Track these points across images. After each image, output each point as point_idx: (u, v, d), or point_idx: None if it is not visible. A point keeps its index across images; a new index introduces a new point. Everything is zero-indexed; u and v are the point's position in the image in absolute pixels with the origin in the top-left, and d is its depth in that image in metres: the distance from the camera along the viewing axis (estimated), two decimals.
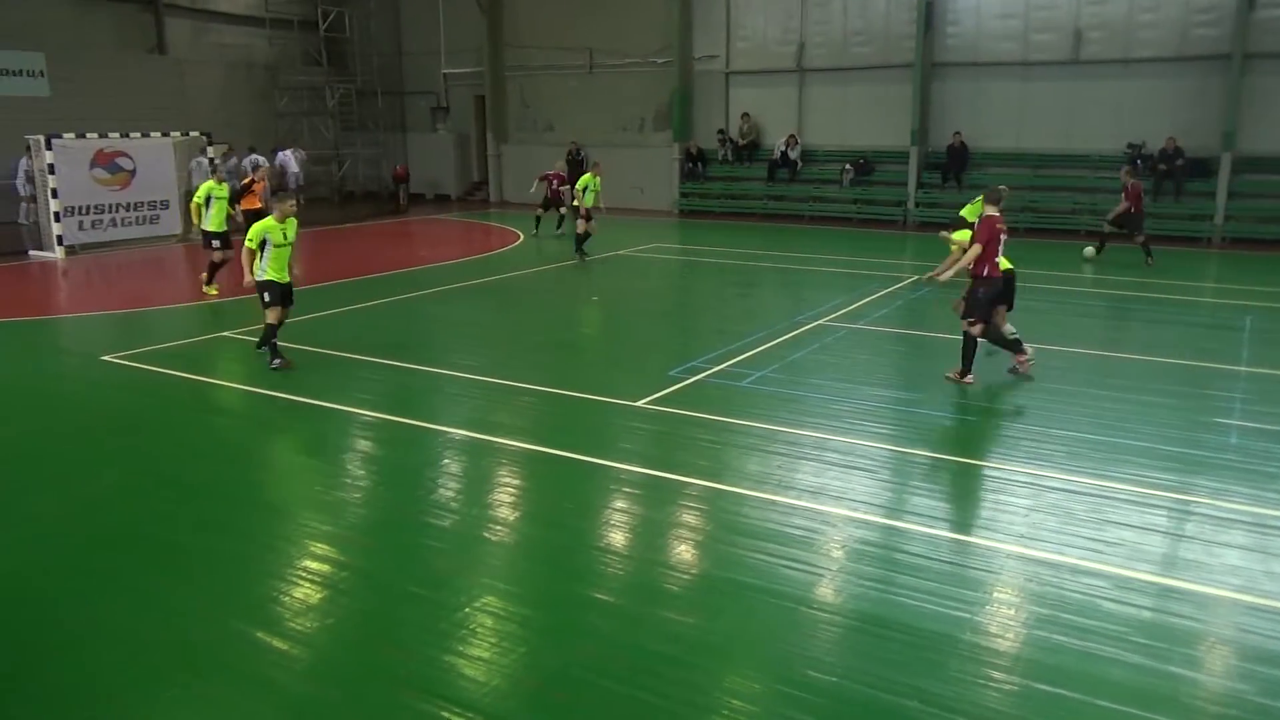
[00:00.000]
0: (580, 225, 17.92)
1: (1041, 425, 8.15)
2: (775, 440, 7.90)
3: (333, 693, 4.49)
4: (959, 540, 6.00)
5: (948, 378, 9.53)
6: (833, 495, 6.71)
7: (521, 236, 21.42)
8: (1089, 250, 17.77)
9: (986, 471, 7.16)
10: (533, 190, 22.51)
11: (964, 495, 6.73)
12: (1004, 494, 6.74)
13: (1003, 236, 9.37)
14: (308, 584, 5.51)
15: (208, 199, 14.35)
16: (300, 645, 4.87)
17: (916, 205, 23.08)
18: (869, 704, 4.36)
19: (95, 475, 7.29)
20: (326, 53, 29.66)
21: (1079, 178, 21.62)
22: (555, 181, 22.32)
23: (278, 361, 10.03)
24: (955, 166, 22.57)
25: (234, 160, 23.57)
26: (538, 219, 22.01)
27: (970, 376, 9.43)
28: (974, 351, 9.44)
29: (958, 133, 22.40)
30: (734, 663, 4.75)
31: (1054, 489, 6.80)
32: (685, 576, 5.63)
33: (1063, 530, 6.13)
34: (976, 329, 9.42)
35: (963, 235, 10.29)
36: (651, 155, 26.73)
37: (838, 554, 5.86)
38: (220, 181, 14.71)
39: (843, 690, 4.46)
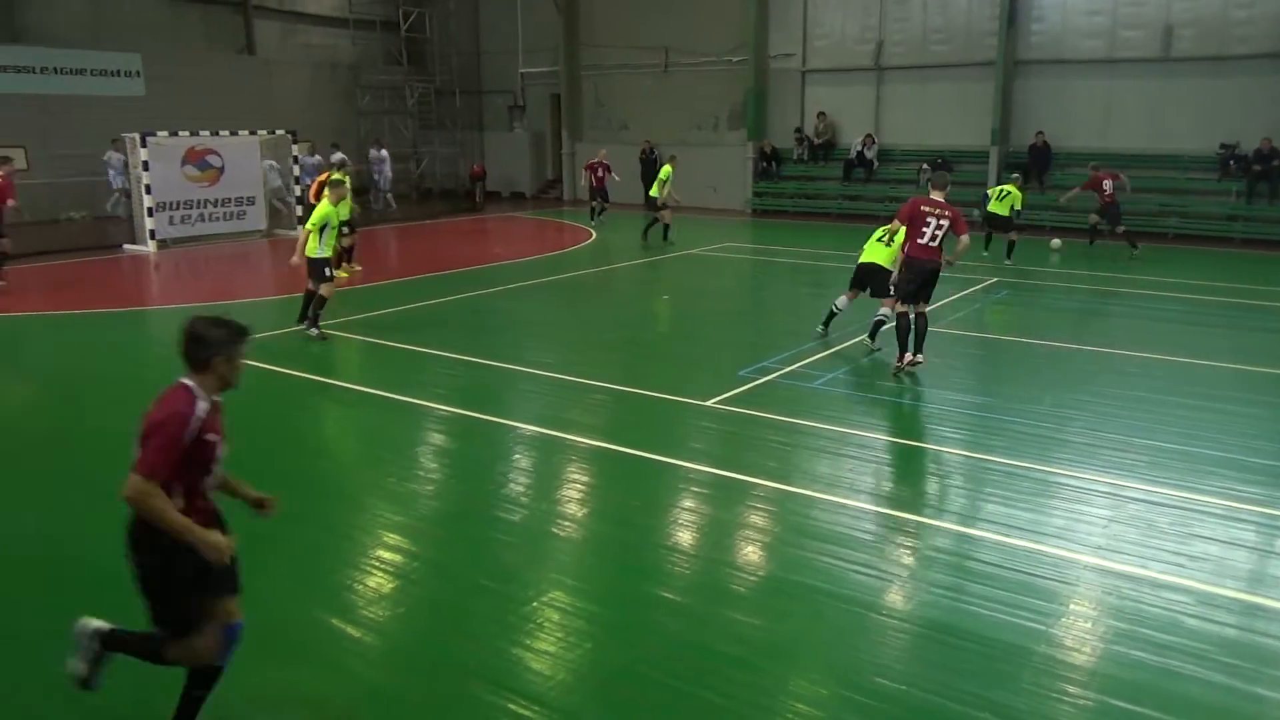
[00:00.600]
0: (665, 215, 19.32)
1: (1123, 434, 7.91)
2: (846, 443, 7.81)
3: (403, 680, 4.59)
4: (1034, 549, 5.86)
5: (895, 367, 9.66)
6: (904, 500, 6.62)
7: (594, 234, 21.54)
8: (1056, 242, 18.84)
9: (1063, 480, 6.98)
10: (582, 183, 23.60)
11: (1040, 503, 6.57)
12: (1082, 503, 6.56)
13: (930, 220, 9.32)
14: (381, 573, 5.63)
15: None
16: (373, 633, 4.98)
17: None
18: (938, 713, 4.28)
19: None
20: (407, 53, 30.20)
21: (1167, 179, 20.90)
22: (600, 170, 23.01)
23: (316, 331, 11.29)
24: (1037, 166, 22.01)
25: (316, 158, 24.12)
26: (592, 210, 23.05)
27: (919, 357, 9.55)
28: (905, 333, 9.56)
29: (1040, 132, 21.84)
30: (800, 666, 4.71)
31: (1135, 500, 6.59)
32: (752, 578, 5.61)
33: (1144, 543, 5.94)
34: (885, 308, 10.42)
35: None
36: (725, 154, 26.63)
37: (908, 560, 5.78)
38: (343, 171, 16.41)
39: (911, 698, 4.39)
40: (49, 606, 5.31)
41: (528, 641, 4.86)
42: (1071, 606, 5.21)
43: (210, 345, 3.90)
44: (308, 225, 11.30)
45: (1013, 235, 17.33)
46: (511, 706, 4.32)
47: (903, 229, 9.58)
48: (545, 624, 5.03)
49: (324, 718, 4.28)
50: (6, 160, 15.54)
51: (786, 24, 25.49)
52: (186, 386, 3.87)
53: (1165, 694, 4.41)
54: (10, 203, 14.89)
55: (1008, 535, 6.05)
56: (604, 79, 28.97)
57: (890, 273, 10.73)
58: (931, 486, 6.86)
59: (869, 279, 11.09)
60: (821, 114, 25.35)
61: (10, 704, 4.42)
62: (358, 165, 24.69)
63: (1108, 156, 21.45)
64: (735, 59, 26.12)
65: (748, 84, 25.91)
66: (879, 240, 11.13)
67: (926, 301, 9.73)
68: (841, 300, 11.37)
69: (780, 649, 4.83)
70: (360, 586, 5.47)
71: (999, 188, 18.17)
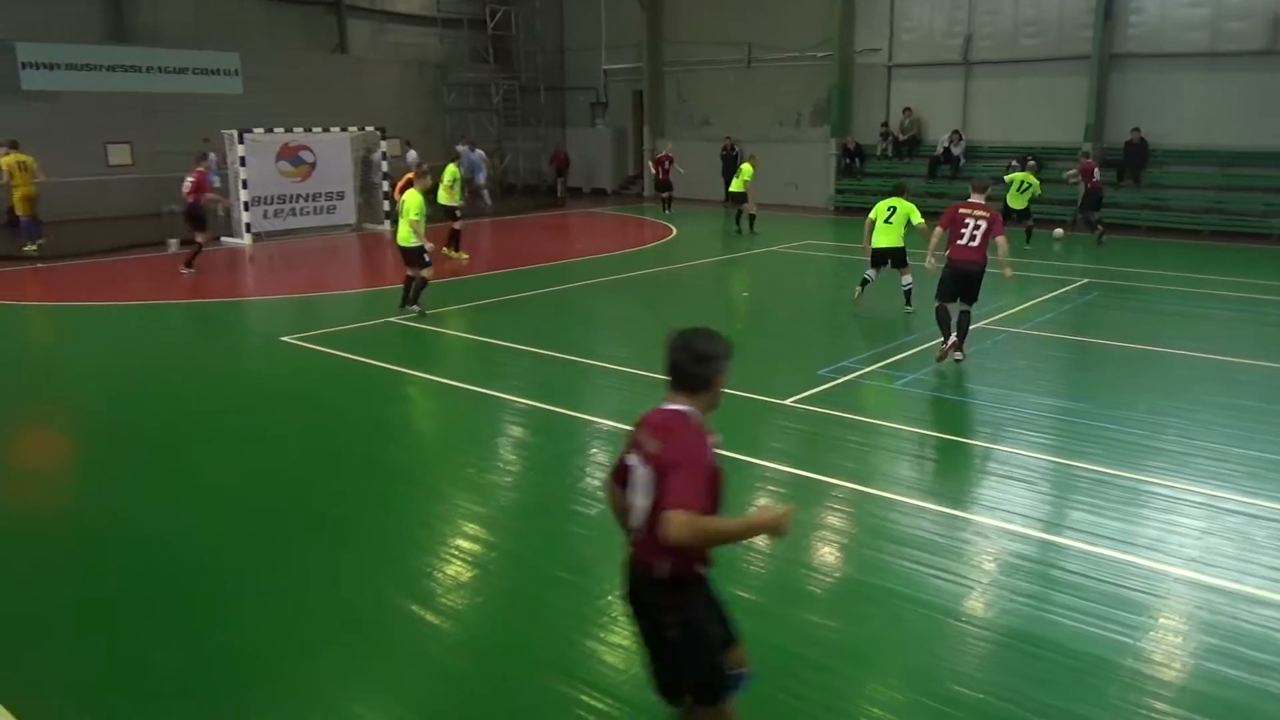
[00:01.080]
0: (750, 206, 20.25)
1: (1221, 443, 7.59)
2: (927, 445, 7.67)
3: (478, 668, 4.66)
4: (1123, 560, 5.66)
5: (938, 354, 9.90)
6: (987, 505, 6.46)
7: (674, 230, 21.53)
8: (1059, 231, 19.29)
9: (1155, 489, 6.73)
10: (651, 174, 25.22)
11: (1130, 512, 6.34)
12: (1175, 514, 6.32)
13: (969, 222, 9.57)
14: (459, 562, 5.73)
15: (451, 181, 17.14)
16: (451, 620, 5.07)
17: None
18: None
19: (271, 450, 7.79)
20: (493, 50, 30.64)
21: (1273, 177, 19.96)
22: (666, 163, 24.40)
23: (418, 308, 12.21)
24: (1133, 164, 21.25)
25: (412, 153, 24.63)
26: (664, 202, 24.56)
27: (959, 353, 9.84)
28: (945, 322, 9.85)
29: (1136, 129, 21.06)
30: (876, 670, 4.65)
31: (1232, 511, 6.32)
32: (829, 579, 5.55)
33: (1241, 556, 5.69)
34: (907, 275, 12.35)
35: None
36: (808, 151, 26.34)
37: (990, 566, 5.64)
38: (456, 164, 17.82)
39: (989, 708, 4.29)
40: (144, 595, 5.53)
41: (602, 635, 4.89)
42: (1161, 620, 5.03)
43: (714, 360, 3.45)
44: (410, 215, 11.91)
45: (1029, 223, 18.27)
46: (585, 699, 4.35)
47: (916, 211, 11.99)
48: (620, 618, 5.05)
49: (400, 701, 4.37)
50: (204, 156, 16.90)
51: (873, 18, 25.09)
52: (684, 414, 3.40)
53: (1261, 715, 4.22)
54: (208, 195, 16.06)
55: (1095, 544, 5.86)
56: (686, 75, 28.92)
57: (902, 249, 12.46)
58: (1017, 492, 6.69)
59: (887, 257, 12.56)
60: (907, 110, 24.89)
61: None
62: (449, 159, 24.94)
63: (1209, 154, 20.61)
64: (819, 54, 25.82)
65: (832, 79, 25.58)
66: (885, 223, 12.40)
67: (968, 301, 9.82)
68: (871, 272, 12.86)
69: (856, 652, 4.77)
70: (439, 574, 5.57)
71: (1018, 176, 18.04)
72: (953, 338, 9.84)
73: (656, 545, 3.21)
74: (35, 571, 5.64)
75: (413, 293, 12.32)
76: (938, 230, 9.88)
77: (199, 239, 16.01)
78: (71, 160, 21.50)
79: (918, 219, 12.18)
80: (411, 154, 24.49)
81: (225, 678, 4.52)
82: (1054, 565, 5.62)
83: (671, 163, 24.63)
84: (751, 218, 20.43)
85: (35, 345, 11.93)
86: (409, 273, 12.37)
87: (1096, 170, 19.19)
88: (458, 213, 17.19)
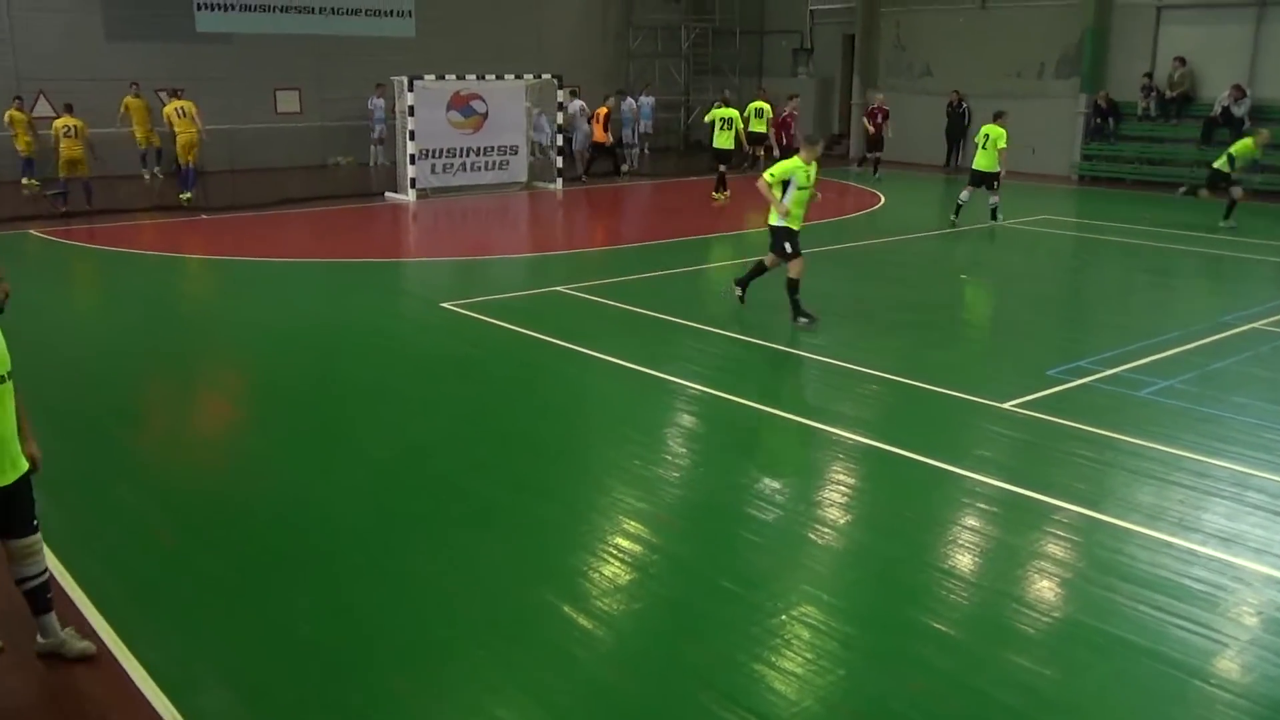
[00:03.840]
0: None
1: None
2: (1178, 468, 7.20)
3: (632, 681, 4.75)
4: None
5: None
6: (1252, 546, 6.02)
7: (882, 199, 21.05)
8: (1204, 193, 18.76)
9: None
10: (865, 129, 24.74)
11: None
12: None
13: None
14: (618, 563, 5.84)
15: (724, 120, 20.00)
16: (605, 626, 5.18)
17: None
18: None
19: (427, 422, 8.19)
20: None
21: None
22: (880, 117, 23.98)
23: (804, 320, 10.69)
24: None
25: (577, 102, 25.11)
26: (872, 163, 24.33)
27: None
28: None
29: None
30: None
31: None
32: (1045, 619, 5.32)
33: None
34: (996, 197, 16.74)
35: None
36: (1050, 108, 25.06)
37: (1251, 621, 5.25)
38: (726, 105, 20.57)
39: None
40: (297, 564, 5.94)
41: (772, 658, 4.88)
42: None
43: None
44: (766, 176, 10.70)
45: None
46: None
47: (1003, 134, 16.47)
48: (793, 641, 5.03)
49: (542, 707, 4.51)
50: (794, 96, 21.07)
51: None
52: None
53: None
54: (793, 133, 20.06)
55: None
56: (907, 17, 28.09)
57: (996, 173, 16.95)
58: None
59: (981, 180, 17.12)
60: (1179, 59, 23.23)
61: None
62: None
63: None
64: None
65: (1085, 22, 24.24)
66: (983, 149, 16.91)
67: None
68: (964, 194, 17.16)
69: (1074, 707, 4.55)
70: (595, 574, 5.70)
71: (986, 131, 17.25)
72: None
73: None
74: (187, 538, 6.15)
75: (792, 303, 10.79)
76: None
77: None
78: (240, 108, 23.17)
79: (1003, 144, 16.70)
80: (577, 103, 24.94)
81: (368, 659, 4.80)
82: None
83: (886, 118, 24.23)
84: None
85: (190, 301, 12.98)
86: (769, 260, 11.12)
87: None
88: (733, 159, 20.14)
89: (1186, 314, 11.72)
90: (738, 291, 11.30)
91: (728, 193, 20.33)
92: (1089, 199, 22.09)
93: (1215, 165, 18.04)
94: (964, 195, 17.46)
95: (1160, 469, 7.20)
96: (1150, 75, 23.75)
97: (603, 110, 23.50)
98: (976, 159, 17.27)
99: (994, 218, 17.34)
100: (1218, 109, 22.31)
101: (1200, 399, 8.71)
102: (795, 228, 10.70)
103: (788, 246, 10.65)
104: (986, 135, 16.95)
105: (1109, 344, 10.22)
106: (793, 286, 10.75)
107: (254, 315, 11.69)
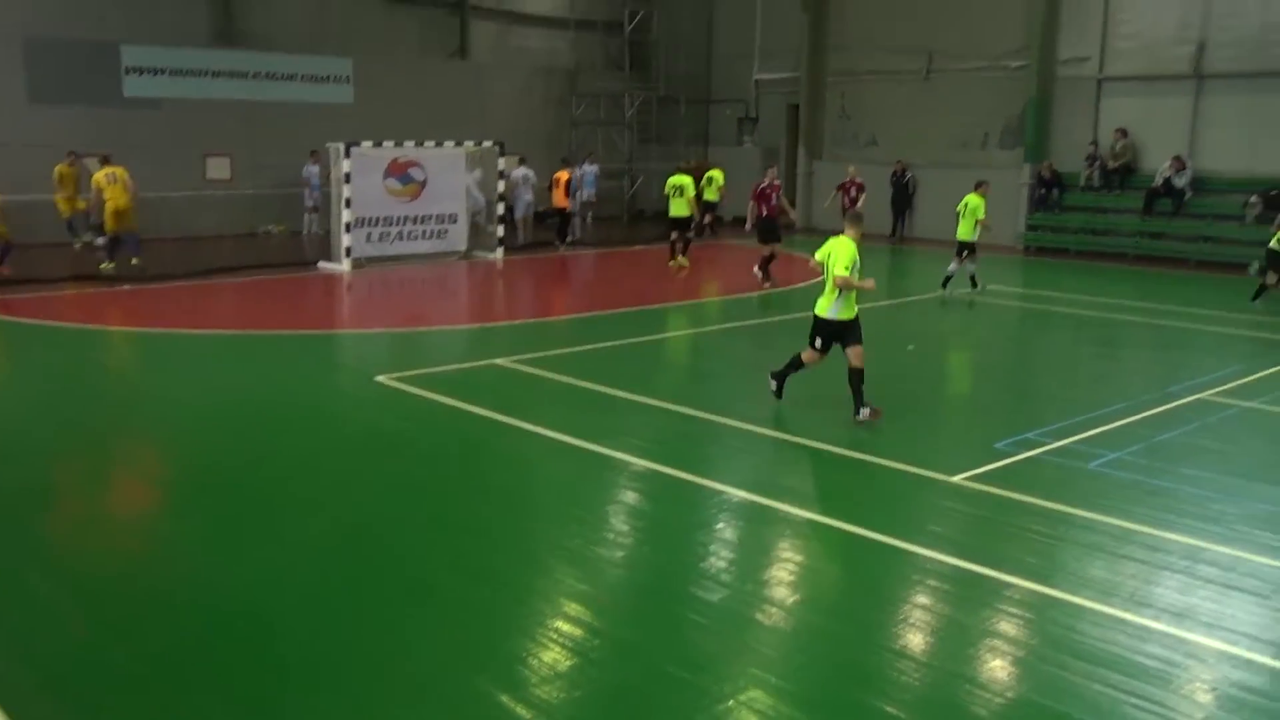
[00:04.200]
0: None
1: None
2: (1129, 541, 7.31)
3: None
4: None
5: None
6: (1204, 621, 6.10)
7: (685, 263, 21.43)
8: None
9: None
10: (827, 204, 24.90)
11: None
12: None
13: None
14: (558, 647, 5.76)
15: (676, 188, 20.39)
16: (544, 716, 5.09)
17: None
18: None
19: (361, 502, 8.07)
20: (630, 57, 31.35)
21: None
22: (854, 190, 24.09)
23: (865, 412, 9.98)
24: None
25: (521, 170, 25.38)
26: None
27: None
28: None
29: None
30: None
31: None
32: (998, 699, 5.33)
33: None
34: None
35: None
36: (995, 178, 25.54)
37: (1205, 698, 5.31)
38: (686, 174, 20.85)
39: None
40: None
41: None
42: None
43: None
44: (843, 271, 9.94)
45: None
46: None
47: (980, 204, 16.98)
48: None
49: None
50: (773, 165, 21.36)
51: (1081, 21, 24.52)
52: None
53: None
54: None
55: None
56: (853, 86, 28.89)
57: (973, 242, 17.50)
58: (1244, 608, 6.29)
59: (961, 249, 17.56)
60: (1121, 131, 24.11)
61: None
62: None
63: None
64: (1014, 63, 25.40)
65: (1028, 93, 25.11)
66: (962, 218, 17.38)
67: None
68: (952, 265, 17.56)
69: None
70: (534, 660, 5.62)
71: (966, 200, 17.75)
72: None
73: None
74: (100, 628, 5.97)
75: (852, 388, 10.09)
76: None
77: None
78: (168, 174, 23.04)
79: (981, 215, 17.29)
80: (519, 170, 25.18)
81: None
82: None
83: (861, 191, 24.56)
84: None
85: (110, 375, 12.75)
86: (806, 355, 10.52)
87: None
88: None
89: (1133, 385, 11.99)
90: (863, 414, 10.02)
91: (683, 259, 20.58)
92: (1034, 269, 22.66)
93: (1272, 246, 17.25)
94: (952, 266, 17.87)
95: (1112, 543, 7.30)
96: (1094, 145, 24.59)
97: (563, 175, 23.79)
98: (958, 228, 17.68)
99: (974, 285, 18.07)
100: (1159, 180, 23.13)
101: (1149, 471, 8.88)
102: (850, 316, 10.22)
103: (818, 342, 10.30)
104: (965, 204, 17.53)
105: (1056, 416, 10.41)
106: (857, 377, 10.05)
107: (178, 391, 11.51)
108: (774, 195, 19.29)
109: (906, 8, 27.18)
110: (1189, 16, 22.95)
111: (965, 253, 17.61)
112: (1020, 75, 25.30)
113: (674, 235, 20.69)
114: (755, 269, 19.00)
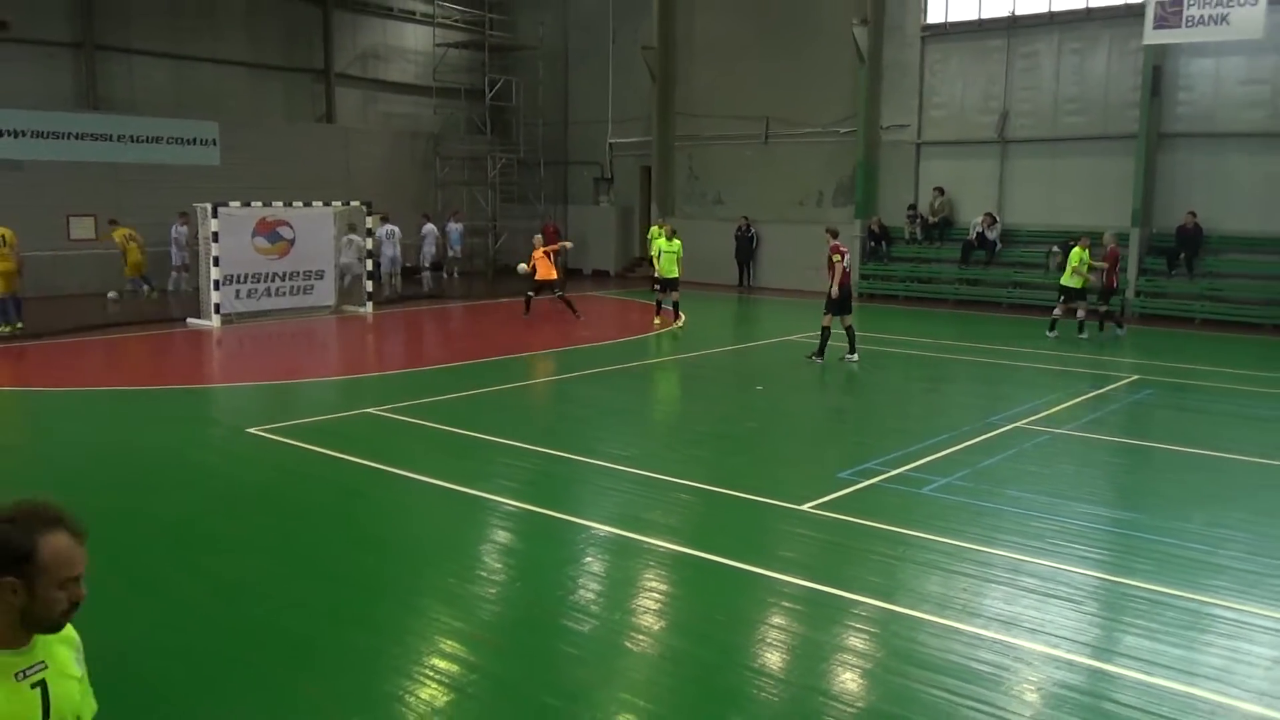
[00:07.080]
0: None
1: None
2: (961, 558, 7.58)
3: None
4: (1184, 692, 5.54)
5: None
6: (1028, 628, 6.36)
7: (683, 317, 21.69)
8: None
9: (1218, 611, 6.62)
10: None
11: (1191, 638, 6.23)
12: (1240, 639, 6.21)
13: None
14: (435, 684, 5.62)
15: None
16: None
17: (1138, 295, 22.04)
18: None
19: (232, 557, 7.70)
20: (491, 122, 31.41)
21: None
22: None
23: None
24: (1186, 250, 21.47)
25: (387, 226, 25.06)
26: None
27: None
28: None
29: (1192, 212, 21.32)
30: None
31: None
32: (850, 709, 5.43)
33: None
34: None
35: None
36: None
37: (1032, 697, 5.52)
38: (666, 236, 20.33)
39: None
40: None
41: None
42: None
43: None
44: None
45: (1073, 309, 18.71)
46: None
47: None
48: None
49: None
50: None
51: (900, 92, 25.74)
52: None
53: None
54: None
55: (1152, 674, 5.74)
56: (699, 150, 29.58)
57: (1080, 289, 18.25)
58: (1063, 613, 6.59)
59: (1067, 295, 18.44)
60: (938, 190, 25.35)
61: None
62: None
63: (1271, 241, 20.84)
64: (843, 130, 26.44)
65: (857, 156, 26.14)
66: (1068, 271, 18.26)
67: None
68: (1079, 313, 18.38)
69: None
70: (411, 698, 5.47)
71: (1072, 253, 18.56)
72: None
73: None
74: None
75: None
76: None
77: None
78: (31, 235, 21.83)
79: (1077, 263, 17.95)
80: (385, 228, 24.85)
81: None
82: (1105, 697, 5.50)
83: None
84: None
85: None
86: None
87: (1118, 258, 19.02)
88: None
89: (959, 417, 12.49)
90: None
91: (668, 319, 20.17)
92: (868, 314, 23.38)
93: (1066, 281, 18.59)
94: (1080, 314, 18.55)
95: (946, 560, 7.55)
96: (914, 204, 25.75)
97: (546, 248, 21.44)
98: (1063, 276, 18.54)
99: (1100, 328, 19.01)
100: (973, 234, 24.36)
101: (976, 493, 9.24)
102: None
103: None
104: (1069, 257, 18.35)
105: (892, 446, 10.76)
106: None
107: (46, 448, 10.87)
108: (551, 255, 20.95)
109: (746, 80, 28.04)
110: (993, 89, 24.37)
111: (1073, 299, 18.47)
112: (849, 140, 26.35)
113: (656, 288, 20.63)
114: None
